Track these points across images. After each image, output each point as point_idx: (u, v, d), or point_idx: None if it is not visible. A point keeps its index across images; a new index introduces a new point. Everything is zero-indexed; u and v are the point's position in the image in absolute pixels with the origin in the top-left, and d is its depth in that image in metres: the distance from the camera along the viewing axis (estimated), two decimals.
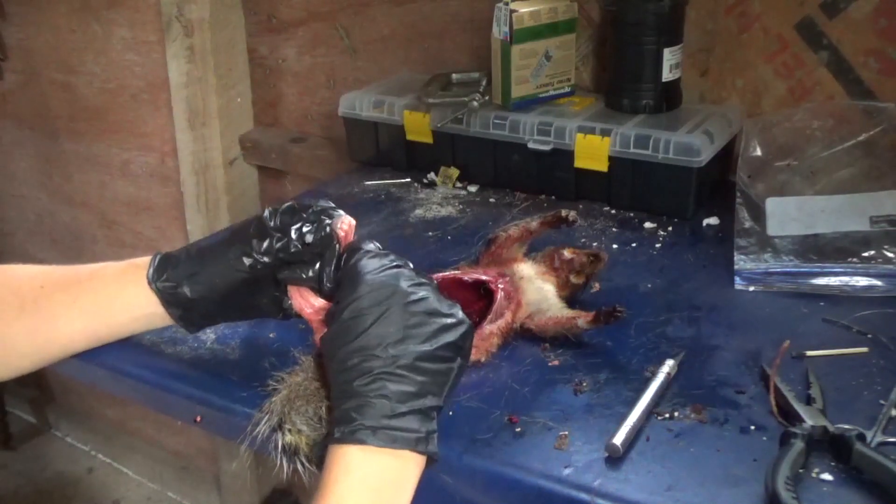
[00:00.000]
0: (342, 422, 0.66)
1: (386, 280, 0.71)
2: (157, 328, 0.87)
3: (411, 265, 0.74)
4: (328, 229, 0.79)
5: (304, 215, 0.80)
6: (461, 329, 0.71)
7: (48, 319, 0.84)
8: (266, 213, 0.81)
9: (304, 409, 0.76)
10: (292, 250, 0.79)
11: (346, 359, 0.68)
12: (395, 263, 0.73)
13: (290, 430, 0.75)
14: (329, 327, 0.72)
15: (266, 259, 0.79)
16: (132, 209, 2.17)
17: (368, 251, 0.74)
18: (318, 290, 0.80)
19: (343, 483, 0.65)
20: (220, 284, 0.81)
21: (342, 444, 0.66)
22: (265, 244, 0.79)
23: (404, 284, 0.70)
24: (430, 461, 0.69)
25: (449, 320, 0.71)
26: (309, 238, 0.78)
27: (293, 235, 0.79)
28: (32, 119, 2.23)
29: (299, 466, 0.74)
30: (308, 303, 0.81)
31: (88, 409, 2.63)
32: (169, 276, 0.82)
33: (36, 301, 0.84)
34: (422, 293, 0.71)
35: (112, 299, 0.84)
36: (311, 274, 0.80)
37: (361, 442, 0.65)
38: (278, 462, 0.75)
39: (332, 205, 0.82)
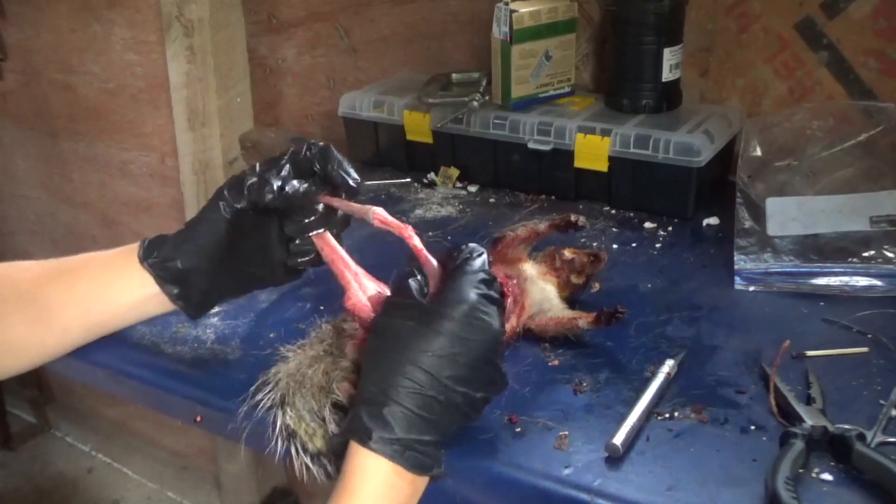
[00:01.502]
0: (377, 424, 0.66)
1: (487, 320, 0.69)
2: (154, 316, 0.87)
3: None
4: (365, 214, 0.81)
5: (284, 166, 0.81)
6: (501, 390, 0.72)
7: (44, 310, 0.84)
8: (246, 172, 0.83)
9: (310, 401, 0.76)
10: (267, 189, 0.80)
11: (414, 362, 0.67)
12: (496, 297, 0.71)
13: (290, 411, 0.75)
14: (405, 315, 0.70)
15: (242, 203, 0.81)
16: (132, 209, 2.16)
17: (482, 274, 0.72)
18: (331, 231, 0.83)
19: (363, 491, 0.66)
20: (206, 244, 0.82)
21: (372, 451, 0.66)
22: (237, 190, 0.82)
23: (496, 328, 0.70)
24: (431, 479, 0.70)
25: (499, 378, 0.72)
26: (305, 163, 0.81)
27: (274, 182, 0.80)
28: (32, 119, 2.23)
29: (293, 451, 0.75)
30: (339, 256, 0.81)
31: (88, 409, 2.63)
32: (159, 252, 0.83)
33: (32, 293, 0.84)
34: (501, 345, 0.71)
35: (107, 285, 0.84)
36: (313, 218, 0.82)
37: (392, 458, 0.65)
38: (273, 441, 0.75)
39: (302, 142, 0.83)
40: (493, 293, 0.71)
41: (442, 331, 0.68)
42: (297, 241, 0.85)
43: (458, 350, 0.68)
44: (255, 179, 0.81)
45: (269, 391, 0.77)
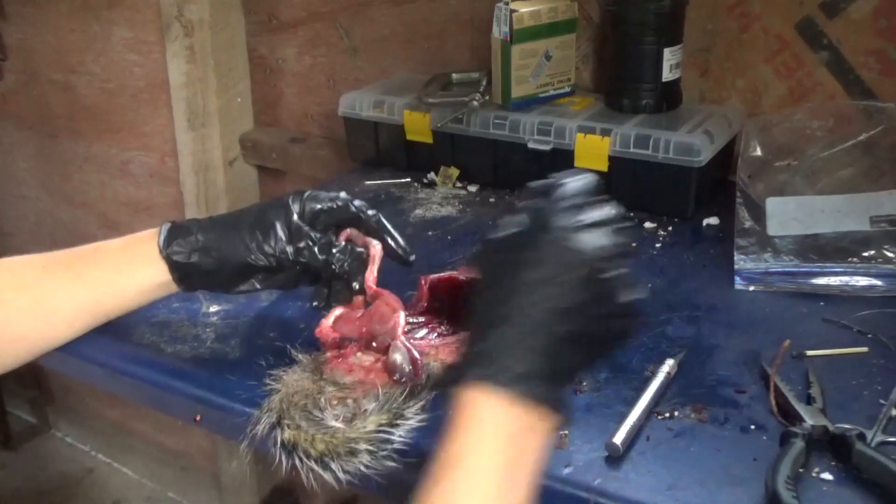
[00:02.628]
0: (493, 362, 0.61)
1: (580, 246, 0.65)
2: (157, 299, 0.88)
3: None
4: (358, 258, 0.84)
5: (324, 208, 0.85)
6: (628, 327, 0.67)
7: (50, 295, 0.84)
8: (295, 208, 0.84)
9: (302, 403, 0.76)
10: (319, 260, 0.83)
11: (527, 294, 0.63)
12: (598, 220, 0.67)
13: (288, 426, 0.75)
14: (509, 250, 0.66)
15: (286, 257, 0.83)
16: (132, 209, 2.17)
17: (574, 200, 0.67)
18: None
19: (484, 434, 0.60)
20: (232, 263, 0.83)
21: (492, 388, 0.60)
22: (288, 246, 0.83)
23: (596, 251, 0.65)
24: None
25: (618, 312, 0.65)
26: (339, 266, 0.84)
27: (319, 256, 0.83)
28: (32, 119, 2.23)
29: (297, 462, 0.75)
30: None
31: (88, 409, 2.63)
32: (181, 244, 0.83)
33: (38, 280, 0.84)
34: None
35: (118, 271, 0.85)
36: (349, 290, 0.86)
37: (516, 393, 0.60)
38: (277, 458, 0.75)
39: (361, 210, 0.86)
40: (589, 217, 0.66)
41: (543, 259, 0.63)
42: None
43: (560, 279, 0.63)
44: (306, 247, 0.83)
45: (266, 418, 0.78)
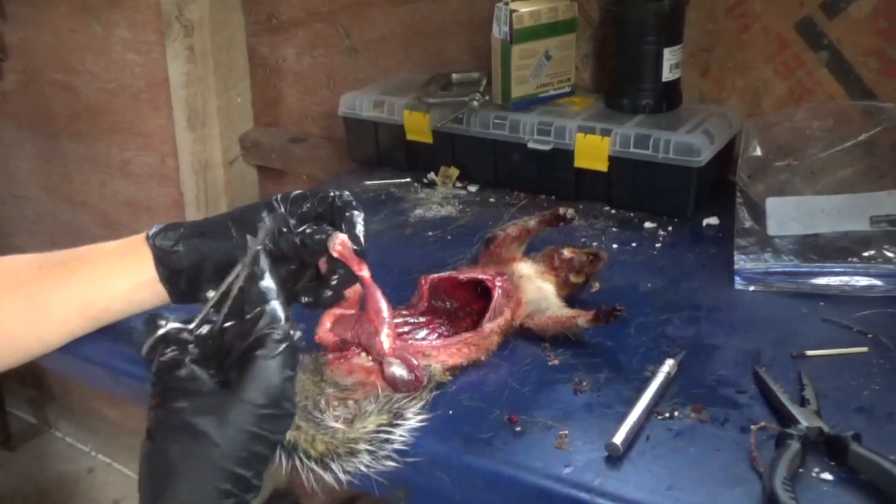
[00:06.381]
0: None
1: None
2: (150, 308, 0.87)
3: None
4: (327, 239, 0.80)
5: (309, 205, 0.83)
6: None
7: (44, 294, 0.84)
8: (281, 204, 0.83)
9: (302, 404, 0.76)
10: (298, 245, 0.81)
11: None
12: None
13: (289, 430, 0.75)
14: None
15: (269, 247, 0.81)
16: (132, 209, 2.17)
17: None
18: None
19: None
20: (216, 256, 0.82)
21: None
22: (269, 235, 0.81)
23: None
24: None
25: None
26: (309, 241, 0.80)
27: (296, 238, 0.81)
28: (32, 119, 2.23)
29: (297, 462, 0.75)
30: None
31: (88, 409, 2.63)
32: (168, 235, 0.83)
33: (33, 279, 0.84)
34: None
35: (108, 269, 0.84)
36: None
37: None
38: (277, 458, 0.75)
39: (346, 199, 0.83)
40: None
41: None
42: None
43: None
44: (287, 235, 0.81)
45: None
